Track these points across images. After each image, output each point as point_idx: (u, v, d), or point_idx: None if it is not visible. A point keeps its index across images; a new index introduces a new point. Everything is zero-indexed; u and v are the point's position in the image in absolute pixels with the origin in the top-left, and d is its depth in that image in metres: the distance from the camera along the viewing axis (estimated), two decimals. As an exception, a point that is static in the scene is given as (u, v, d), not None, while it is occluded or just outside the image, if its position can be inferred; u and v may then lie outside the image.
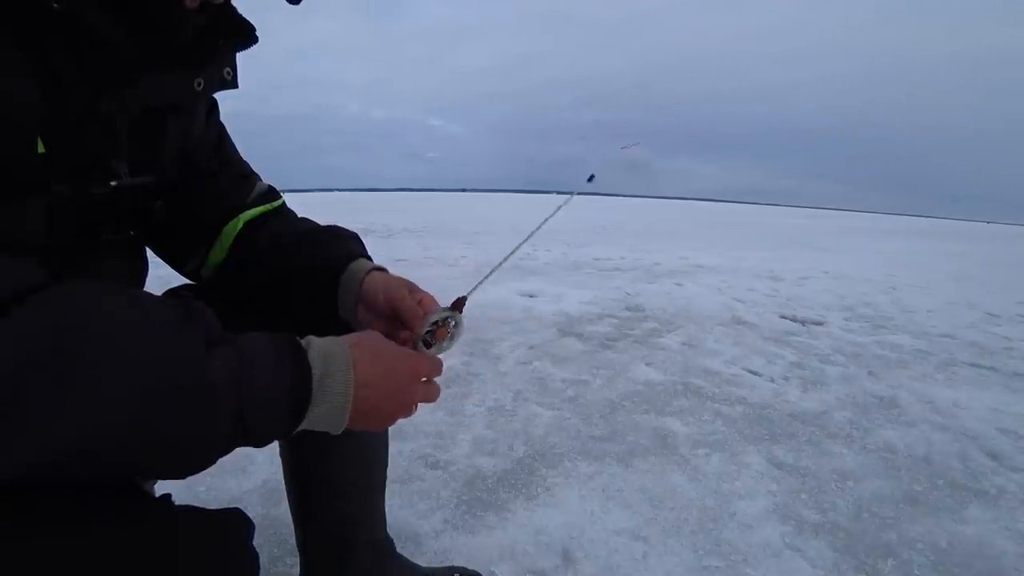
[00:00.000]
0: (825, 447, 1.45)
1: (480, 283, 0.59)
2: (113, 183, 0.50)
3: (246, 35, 0.54)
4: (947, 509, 1.19)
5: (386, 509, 0.87)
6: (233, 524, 0.41)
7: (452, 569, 0.92)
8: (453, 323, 0.56)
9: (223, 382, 0.35)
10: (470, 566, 0.93)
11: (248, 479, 1.17)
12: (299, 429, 0.41)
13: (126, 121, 0.50)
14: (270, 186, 0.71)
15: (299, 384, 0.40)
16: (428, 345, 0.54)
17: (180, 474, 0.37)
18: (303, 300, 0.64)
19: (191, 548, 0.37)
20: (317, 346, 0.42)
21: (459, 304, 0.56)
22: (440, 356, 0.55)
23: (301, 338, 0.43)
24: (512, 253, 0.61)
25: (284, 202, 0.72)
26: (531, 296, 3.13)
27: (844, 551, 1.03)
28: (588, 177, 0.65)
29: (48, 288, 0.32)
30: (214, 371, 0.35)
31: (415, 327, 0.54)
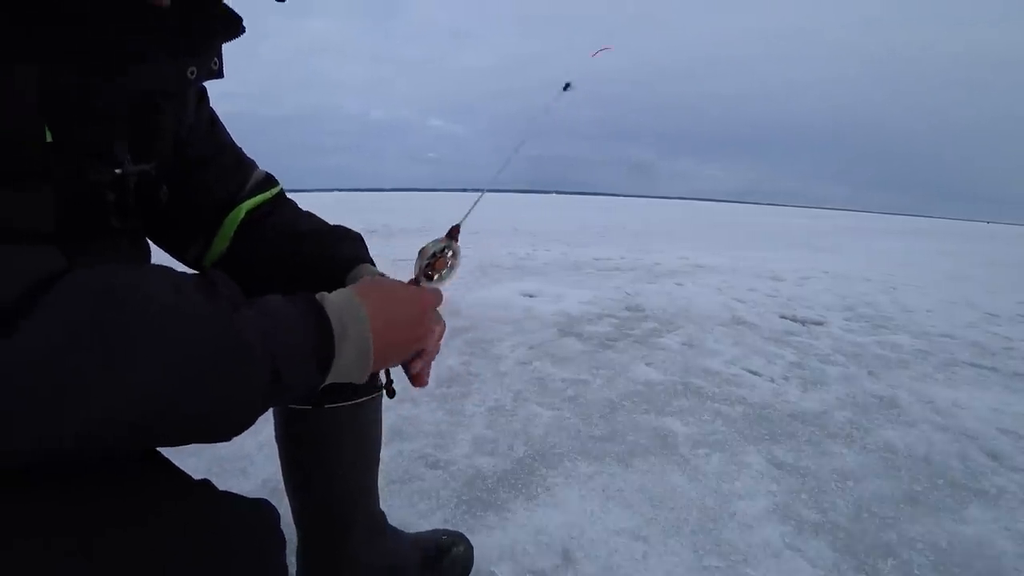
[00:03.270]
0: (825, 447, 1.45)
1: (469, 212, 0.61)
2: (117, 170, 0.51)
3: (235, 27, 0.55)
4: (947, 509, 1.19)
5: (386, 510, 0.88)
6: (267, 508, 0.43)
7: (437, 532, 0.94)
8: (450, 253, 0.58)
9: (256, 343, 0.37)
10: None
11: (248, 479, 1.17)
12: (327, 382, 0.44)
13: (126, 108, 0.51)
14: (267, 173, 0.72)
15: (323, 341, 0.42)
16: (429, 278, 0.58)
17: (223, 436, 0.38)
18: None
19: (239, 528, 0.39)
20: (332, 302, 0.45)
21: (453, 233, 0.59)
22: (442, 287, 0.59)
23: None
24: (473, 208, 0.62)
25: (282, 189, 0.73)
26: (531, 296, 3.13)
27: (844, 551, 1.03)
28: (564, 85, 0.65)
29: (77, 270, 0.33)
30: (246, 333, 0.36)
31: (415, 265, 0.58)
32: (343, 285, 0.63)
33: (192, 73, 0.54)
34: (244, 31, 0.56)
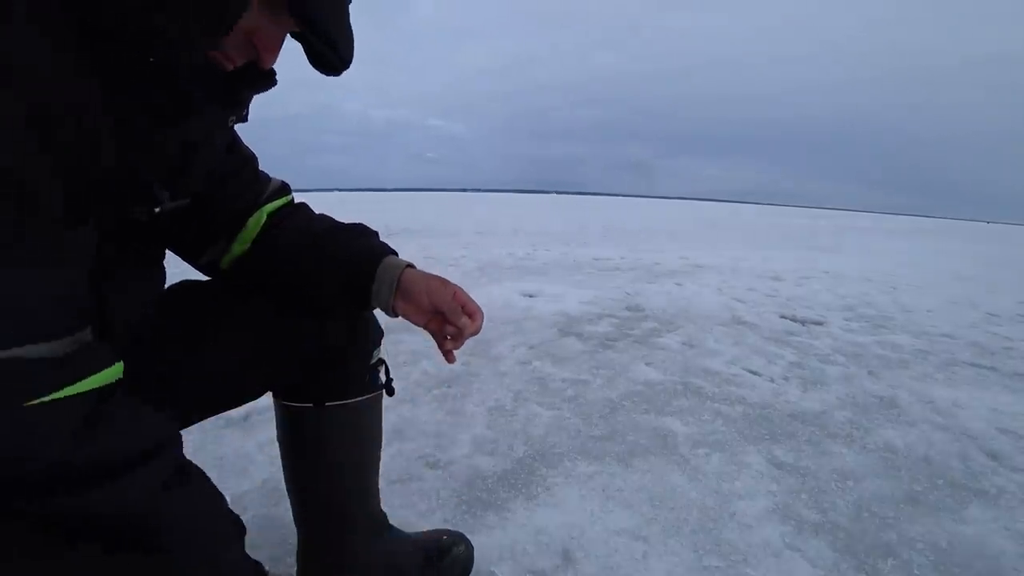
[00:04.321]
0: (825, 447, 1.45)
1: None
2: (156, 209, 0.55)
3: (270, 80, 0.59)
4: (947, 509, 1.19)
5: (386, 510, 0.88)
6: None
7: (438, 532, 0.94)
8: None
9: None
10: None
11: (248, 479, 1.17)
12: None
13: (176, 150, 0.54)
14: (283, 182, 0.74)
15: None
16: None
17: None
18: (334, 288, 0.68)
19: None
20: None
21: None
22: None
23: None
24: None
25: (293, 197, 0.75)
26: (531, 296, 3.13)
27: (844, 551, 1.03)
28: None
29: (182, 461, 0.48)
30: None
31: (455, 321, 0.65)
32: (372, 278, 0.66)
33: (232, 121, 0.59)
34: (276, 83, 0.59)
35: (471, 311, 0.66)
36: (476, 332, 0.67)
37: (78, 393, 0.41)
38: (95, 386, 0.43)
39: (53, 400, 0.39)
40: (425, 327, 0.68)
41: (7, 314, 0.38)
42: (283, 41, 0.53)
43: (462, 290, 0.68)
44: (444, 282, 0.67)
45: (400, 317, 0.68)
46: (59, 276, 0.41)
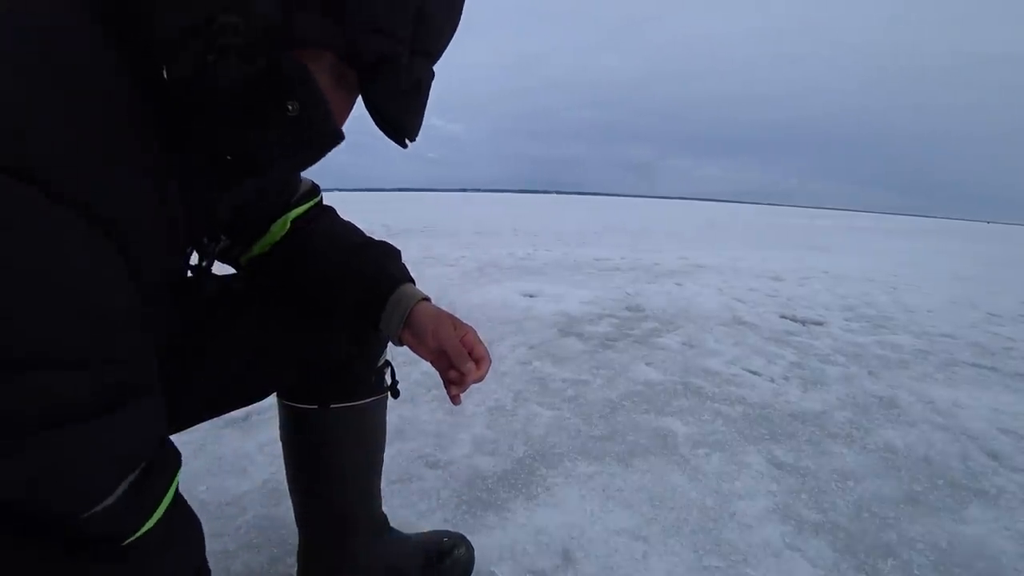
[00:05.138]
0: (825, 447, 1.45)
1: None
2: (204, 263, 0.55)
3: (339, 139, 0.59)
4: (947, 509, 1.19)
5: (386, 510, 0.88)
6: None
7: (438, 533, 0.94)
8: None
9: None
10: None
11: (248, 479, 1.17)
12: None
13: (231, 213, 0.55)
14: (312, 183, 0.73)
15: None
16: None
17: None
18: (347, 306, 0.67)
19: None
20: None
21: None
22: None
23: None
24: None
25: (322, 197, 0.74)
26: (531, 296, 3.13)
27: (844, 551, 1.03)
28: None
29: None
30: None
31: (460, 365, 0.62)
32: (384, 305, 0.65)
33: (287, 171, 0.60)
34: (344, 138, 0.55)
35: (478, 356, 0.64)
36: (480, 380, 0.64)
37: (159, 520, 0.42)
38: (170, 500, 0.43)
39: (141, 535, 0.41)
40: (432, 364, 0.65)
41: (113, 461, 0.38)
42: (351, 110, 0.49)
43: (473, 333, 0.66)
44: (455, 323, 0.65)
45: (406, 347, 0.66)
46: (151, 404, 0.41)
